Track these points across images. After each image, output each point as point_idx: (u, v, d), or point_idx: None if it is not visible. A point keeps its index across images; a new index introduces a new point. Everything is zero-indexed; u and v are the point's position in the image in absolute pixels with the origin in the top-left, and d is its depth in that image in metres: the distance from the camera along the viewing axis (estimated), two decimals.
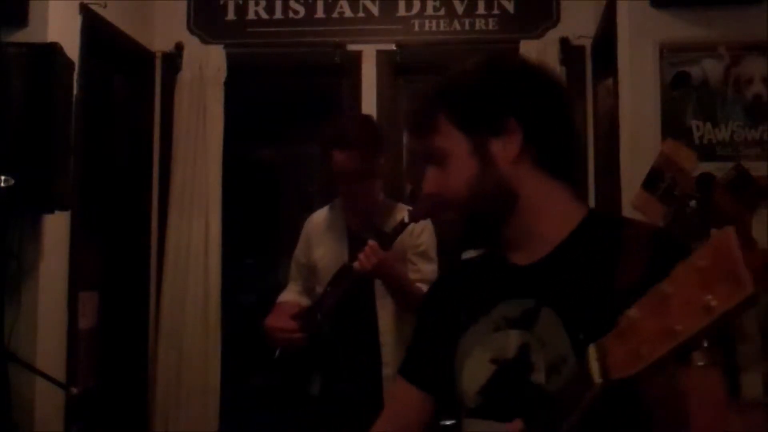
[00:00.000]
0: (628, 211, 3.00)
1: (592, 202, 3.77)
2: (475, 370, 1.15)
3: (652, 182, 2.92)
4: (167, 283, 3.79)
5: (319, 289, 2.65)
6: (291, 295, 2.77)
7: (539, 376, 1.07)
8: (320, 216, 2.80)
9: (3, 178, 2.60)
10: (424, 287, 2.49)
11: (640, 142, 3.00)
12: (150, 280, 3.92)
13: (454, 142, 1.15)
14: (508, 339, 1.12)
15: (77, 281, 3.25)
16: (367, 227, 2.58)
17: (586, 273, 1.09)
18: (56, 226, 3.05)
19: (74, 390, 2.65)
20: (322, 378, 2.55)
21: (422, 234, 2.65)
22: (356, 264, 2.40)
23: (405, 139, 4.15)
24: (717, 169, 2.78)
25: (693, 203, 2.56)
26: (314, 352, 2.56)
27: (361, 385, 2.52)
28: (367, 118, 2.81)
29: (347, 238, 2.66)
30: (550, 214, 1.16)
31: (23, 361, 2.69)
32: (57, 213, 2.90)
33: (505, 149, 1.14)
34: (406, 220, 2.40)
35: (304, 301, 2.72)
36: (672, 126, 2.96)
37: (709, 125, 2.94)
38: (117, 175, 3.91)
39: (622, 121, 3.14)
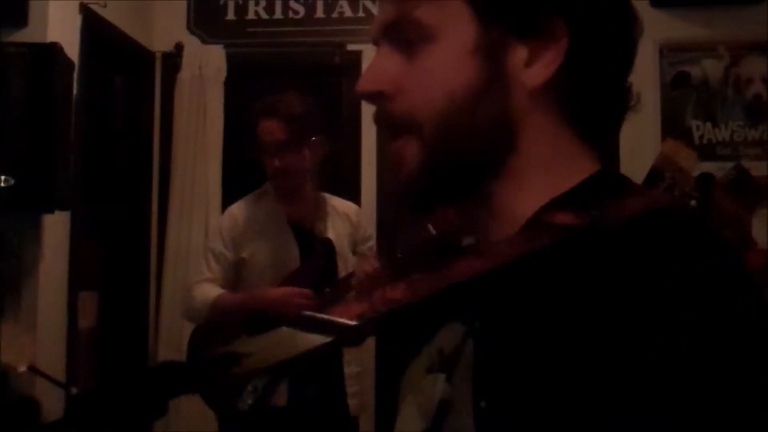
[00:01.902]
0: None
1: None
2: (406, 426, 0.73)
3: (652, 182, 2.93)
4: (167, 283, 3.79)
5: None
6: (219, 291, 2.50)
7: None
8: (248, 207, 2.56)
9: (3, 178, 2.60)
10: None
11: (640, 142, 3.00)
12: (150, 280, 3.92)
13: (451, 20, 0.65)
14: (435, 388, 0.69)
15: (77, 281, 3.25)
16: (308, 219, 2.46)
17: (534, 289, 0.63)
18: (56, 226, 3.04)
19: (74, 390, 2.64)
20: (288, 387, 2.36)
21: (368, 228, 2.53)
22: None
23: None
24: (717, 169, 2.78)
25: (693, 203, 2.56)
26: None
27: (324, 385, 2.40)
28: (302, 94, 2.52)
29: (292, 232, 2.48)
30: (540, 182, 0.68)
31: None
32: (57, 213, 2.90)
33: (534, 64, 0.65)
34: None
35: None
36: (672, 126, 2.96)
37: (709, 125, 2.95)
38: (117, 175, 3.91)
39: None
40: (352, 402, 2.45)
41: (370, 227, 2.54)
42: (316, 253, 2.40)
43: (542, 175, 0.68)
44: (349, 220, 2.49)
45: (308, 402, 2.35)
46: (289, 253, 2.43)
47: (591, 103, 0.68)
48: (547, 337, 0.58)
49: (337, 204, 2.54)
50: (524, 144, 0.67)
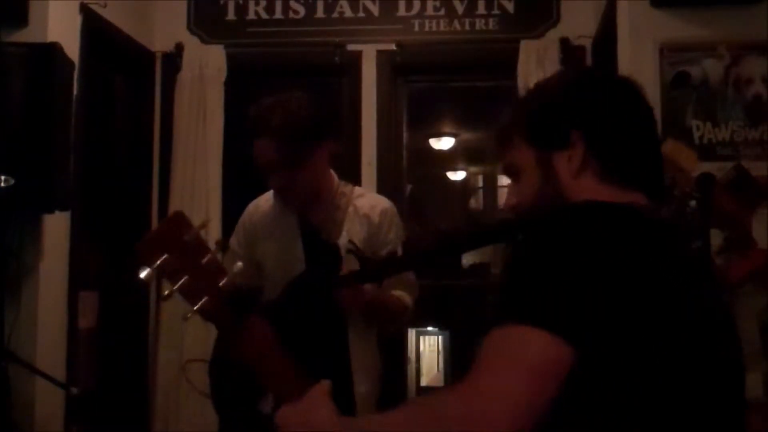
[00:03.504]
0: None
1: None
2: None
3: None
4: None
5: (270, 292, 2.32)
6: None
7: None
8: (266, 203, 2.39)
9: (3, 178, 2.60)
10: (405, 296, 2.31)
11: None
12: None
13: (523, 157, 1.19)
14: None
15: (77, 281, 3.25)
16: (322, 223, 2.29)
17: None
18: (56, 226, 3.04)
19: (74, 390, 2.64)
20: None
21: (391, 229, 2.31)
22: (343, 302, 2.14)
23: (405, 138, 4.16)
24: (717, 169, 2.77)
25: (693, 203, 2.55)
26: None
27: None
28: (293, 99, 2.24)
29: (300, 234, 2.31)
30: None
31: (23, 361, 2.69)
32: (57, 213, 2.90)
33: (568, 162, 1.15)
34: (400, 252, 2.06)
35: None
36: (672, 126, 2.96)
37: (709, 125, 2.94)
38: (117, 175, 3.91)
39: None
40: None
41: (394, 228, 2.32)
42: (314, 260, 2.26)
43: None
44: (368, 222, 2.30)
45: None
46: (295, 257, 2.29)
47: (618, 167, 1.15)
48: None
49: (361, 203, 2.32)
50: (574, 199, 1.14)
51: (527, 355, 0.91)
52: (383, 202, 2.39)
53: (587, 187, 1.13)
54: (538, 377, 0.90)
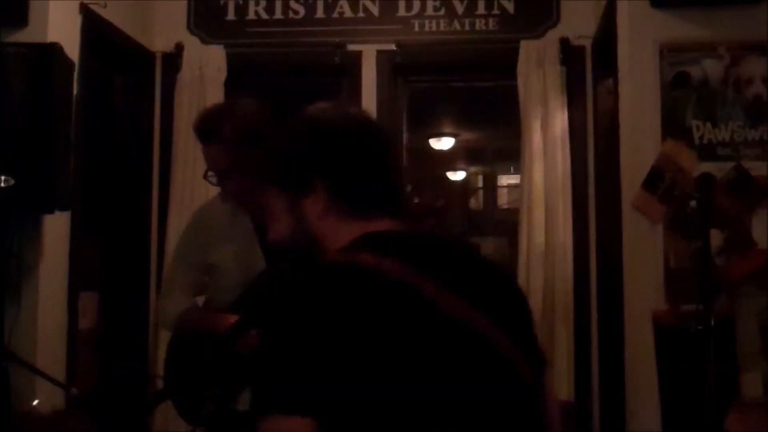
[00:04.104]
0: (628, 211, 3.00)
1: (592, 203, 3.77)
2: None
3: (652, 182, 2.93)
4: None
5: (227, 297, 2.32)
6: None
7: None
8: (216, 207, 2.41)
9: (3, 178, 2.60)
10: None
11: (640, 142, 3.00)
12: (150, 280, 3.92)
13: (276, 201, 1.30)
14: None
15: (77, 281, 3.25)
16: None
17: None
18: (56, 226, 3.04)
19: (74, 390, 2.64)
20: (217, 398, 2.24)
21: None
22: None
23: (405, 138, 4.16)
24: (717, 169, 2.78)
25: (693, 203, 2.56)
26: (210, 369, 2.27)
27: None
28: (240, 106, 2.31)
29: (257, 234, 2.31)
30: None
31: (23, 361, 2.69)
32: (57, 213, 2.90)
33: (313, 206, 1.24)
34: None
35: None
36: (672, 126, 2.96)
37: (709, 125, 2.95)
38: (117, 175, 3.91)
39: (622, 121, 3.14)
40: None
41: None
42: (274, 258, 2.25)
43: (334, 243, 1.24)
44: None
45: (241, 410, 2.19)
46: (256, 256, 2.30)
47: (359, 203, 1.25)
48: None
49: None
50: (326, 242, 1.24)
51: None
52: None
53: (333, 226, 1.24)
54: None
